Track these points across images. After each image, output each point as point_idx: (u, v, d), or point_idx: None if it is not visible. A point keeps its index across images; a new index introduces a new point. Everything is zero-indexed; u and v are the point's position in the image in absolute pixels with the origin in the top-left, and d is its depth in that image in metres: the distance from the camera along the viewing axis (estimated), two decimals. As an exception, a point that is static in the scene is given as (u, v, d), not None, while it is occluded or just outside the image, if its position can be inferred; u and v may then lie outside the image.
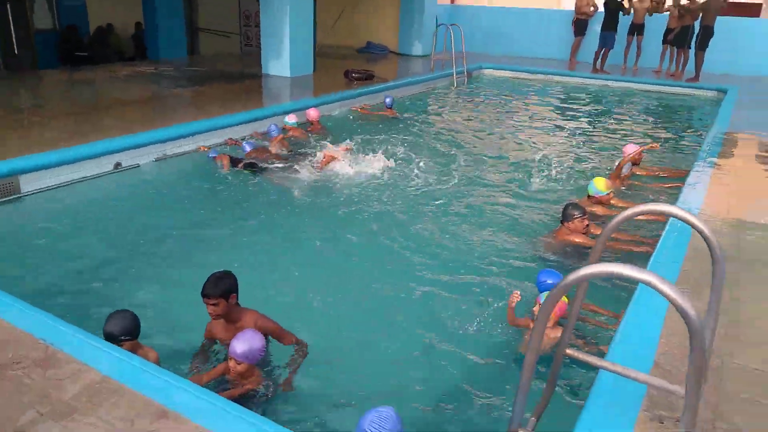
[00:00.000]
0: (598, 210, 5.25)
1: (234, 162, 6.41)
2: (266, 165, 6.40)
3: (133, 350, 2.90)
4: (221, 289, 3.04)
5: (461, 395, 3.15)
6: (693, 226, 2.03)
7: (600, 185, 5.26)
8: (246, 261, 4.34)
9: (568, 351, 2.47)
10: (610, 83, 12.75)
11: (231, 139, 7.34)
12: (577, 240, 4.65)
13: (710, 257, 2.14)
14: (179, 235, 4.86)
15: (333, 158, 6.39)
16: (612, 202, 5.33)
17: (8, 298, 3.13)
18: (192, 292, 3.19)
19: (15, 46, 11.64)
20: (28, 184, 5.50)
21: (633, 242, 4.76)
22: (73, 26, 13.06)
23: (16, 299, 3.12)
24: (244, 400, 2.86)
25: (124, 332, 2.88)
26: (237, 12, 17.36)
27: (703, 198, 5.14)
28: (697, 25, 11.87)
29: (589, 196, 5.33)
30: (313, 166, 6.41)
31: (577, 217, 4.60)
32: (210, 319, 3.16)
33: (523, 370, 1.90)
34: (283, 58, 10.94)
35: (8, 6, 11.46)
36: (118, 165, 6.28)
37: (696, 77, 12.11)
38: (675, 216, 2.06)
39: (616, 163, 6.30)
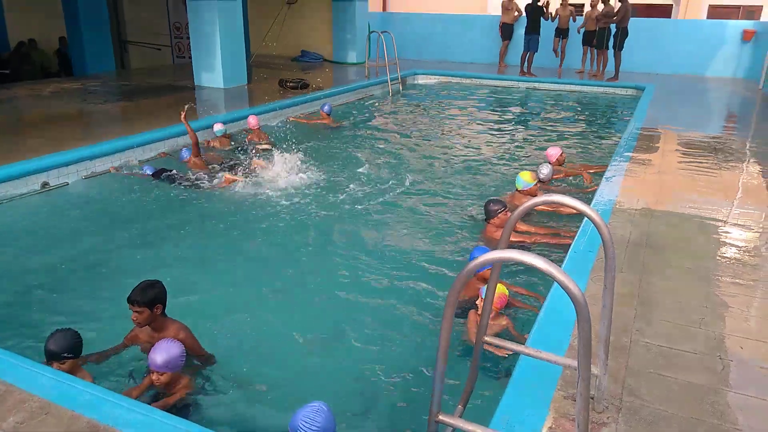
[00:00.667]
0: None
1: (157, 173, 6.39)
2: (192, 178, 6.39)
3: (72, 370, 2.88)
4: (148, 297, 3.11)
5: (394, 388, 3.27)
6: (584, 213, 2.21)
7: (526, 178, 5.50)
8: (176, 274, 4.33)
9: (486, 338, 2.65)
10: (537, 85, 13.28)
11: (163, 152, 7.28)
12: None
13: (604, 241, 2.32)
14: (110, 251, 4.79)
15: (233, 180, 6.37)
16: (538, 194, 5.61)
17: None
18: (123, 307, 3.19)
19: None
20: (-53, 207, 5.30)
21: (557, 236, 5.04)
22: (-10, 42, 12.53)
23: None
24: (182, 407, 2.90)
25: (66, 350, 2.86)
26: (167, 24, 17.07)
27: (618, 190, 5.48)
28: (613, 27, 12.54)
29: (518, 191, 5.58)
30: (212, 187, 6.31)
31: (500, 212, 4.83)
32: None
33: (437, 355, 2.03)
34: (215, 70, 10.86)
35: None
36: (45, 184, 6.11)
37: (615, 76, 12.79)
38: (567, 205, 2.24)
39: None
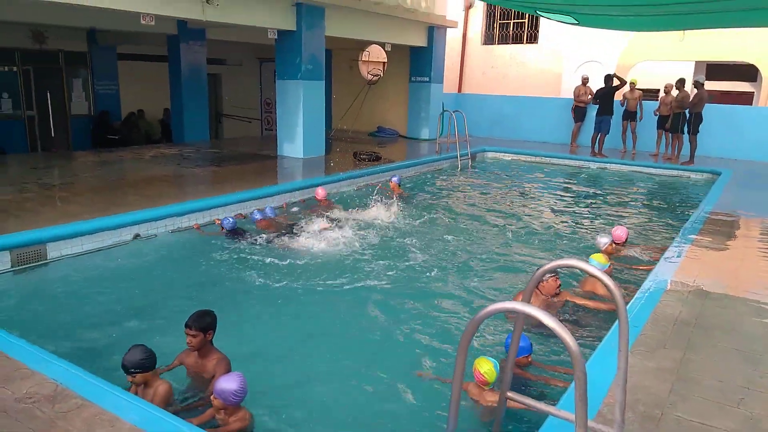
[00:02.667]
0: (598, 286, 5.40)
1: (232, 231, 7.00)
2: (268, 237, 6.95)
3: (145, 381, 3.32)
4: (203, 323, 3.55)
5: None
6: (597, 278, 2.39)
7: (600, 260, 5.40)
8: (242, 317, 4.74)
9: (509, 393, 2.80)
10: (608, 166, 13.30)
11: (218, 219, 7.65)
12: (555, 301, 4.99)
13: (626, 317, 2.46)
14: (188, 296, 5.28)
15: (326, 228, 6.91)
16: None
17: (26, 344, 3.56)
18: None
19: (52, 130, 12.69)
20: (55, 251, 6.04)
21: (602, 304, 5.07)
22: (105, 112, 14.18)
23: (33, 345, 3.54)
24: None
25: (134, 366, 3.28)
26: (258, 100, 18.69)
27: (675, 270, 5.46)
28: (687, 112, 12.53)
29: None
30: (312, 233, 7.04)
31: (550, 278, 4.95)
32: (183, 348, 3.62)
33: (449, 406, 2.23)
34: (296, 141, 11.75)
35: (48, 94, 12.61)
36: (137, 236, 6.83)
37: (691, 160, 12.62)
38: (581, 269, 2.43)
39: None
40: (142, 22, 8.96)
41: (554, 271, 5.06)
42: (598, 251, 6.04)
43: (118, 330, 4.56)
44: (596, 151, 13.86)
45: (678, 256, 5.92)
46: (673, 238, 7.09)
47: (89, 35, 13.72)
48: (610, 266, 5.53)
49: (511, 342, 2.68)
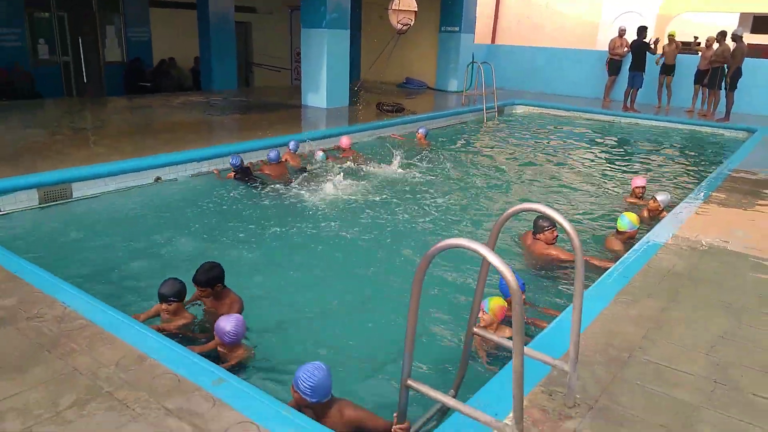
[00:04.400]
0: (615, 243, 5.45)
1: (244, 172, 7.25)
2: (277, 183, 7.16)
3: (176, 310, 3.69)
4: (210, 278, 3.83)
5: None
6: (557, 222, 2.46)
7: (633, 219, 5.38)
8: (259, 260, 4.99)
9: (476, 330, 2.94)
10: (640, 121, 12.96)
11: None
12: (551, 252, 5.06)
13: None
14: (205, 237, 5.54)
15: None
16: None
17: (41, 271, 3.86)
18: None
19: (84, 76, 13.04)
20: (80, 190, 6.37)
21: (606, 260, 5.11)
22: (137, 59, 14.46)
23: (46, 272, 3.84)
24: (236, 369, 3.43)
25: (172, 294, 3.65)
26: (289, 49, 18.66)
27: (681, 226, 5.42)
28: (726, 67, 12.01)
29: (619, 231, 5.45)
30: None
31: (547, 229, 5.01)
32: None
33: (407, 326, 2.37)
34: (320, 91, 11.80)
35: (80, 40, 12.87)
36: (158, 178, 7.12)
37: (726, 117, 12.18)
38: (541, 212, 2.50)
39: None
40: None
41: (552, 224, 5.11)
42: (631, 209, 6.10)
43: (133, 264, 4.86)
44: (627, 106, 13.48)
45: (685, 212, 5.87)
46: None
47: (122, -19, 13.89)
48: (636, 229, 5.36)
49: (478, 282, 2.80)
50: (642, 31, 13.06)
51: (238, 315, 3.51)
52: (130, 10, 14.27)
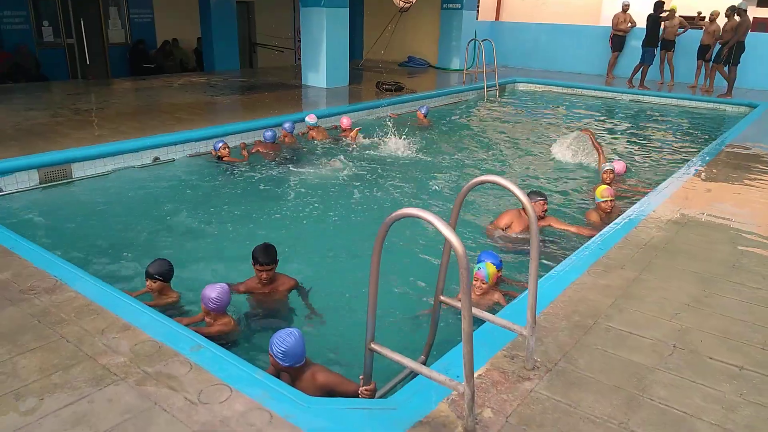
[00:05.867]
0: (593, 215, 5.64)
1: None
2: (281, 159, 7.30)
3: (161, 290, 3.86)
4: (272, 254, 3.97)
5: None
6: (513, 193, 2.56)
7: (597, 192, 5.58)
8: (255, 234, 5.15)
9: (443, 297, 3.07)
10: (641, 98, 12.89)
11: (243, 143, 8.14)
12: (541, 223, 5.19)
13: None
14: (202, 215, 5.69)
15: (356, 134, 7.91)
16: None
17: (35, 246, 4.04)
18: (209, 256, 4.33)
19: (87, 58, 13.15)
20: (79, 171, 6.54)
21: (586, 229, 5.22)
22: (141, 40, 14.55)
23: (40, 247, 4.02)
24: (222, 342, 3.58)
25: (158, 273, 3.83)
26: (292, 29, 18.63)
27: (664, 199, 5.49)
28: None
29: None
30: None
31: (537, 201, 5.11)
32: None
33: (369, 290, 2.50)
34: (320, 71, 11.85)
35: (81, 21, 12.95)
36: (156, 159, 7.27)
37: (728, 92, 12.08)
38: (497, 183, 2.61)
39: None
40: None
41: (542, 196, 5.22)
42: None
43: (129, 242, 5.04)
44: (632, 83, 13.37)
45: (671, 186, 5.93)
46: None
47: (123, -38, 13.92)
48: (608, 201, 5.51)
49: (443, 251, 2.92)
50: (658, 6, 12.84)
51: (222, 284, 3.65)
52: (133, -9, 14.33)
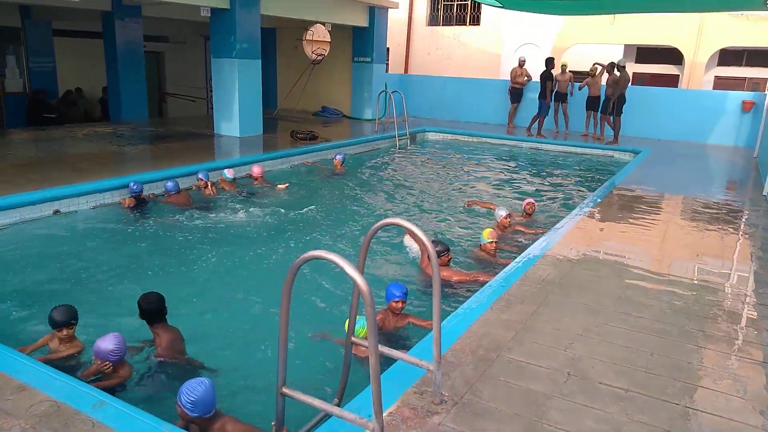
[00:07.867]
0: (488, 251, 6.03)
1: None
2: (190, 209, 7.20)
3: (71, 337, 3.75)
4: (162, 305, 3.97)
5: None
6: (412, 234, 2.74)
7: (484, 235, 6.02)
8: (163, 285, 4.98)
9: (353, 339, 3.16)
10: (540, 145, 13.85)
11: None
12: (443, 273, 5.39)
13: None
14: (108, 270, 5.48)
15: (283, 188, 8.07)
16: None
17: None
18: (119, 313, 4.14)
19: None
20: (-31, 226, 6.14)
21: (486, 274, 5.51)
22: (41, 90, 13.96)
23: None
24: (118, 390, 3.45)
25: (74, 317, 3.74)
26: (204, 78, 18.59)
27: (558, 239, 5.93)
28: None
29: (481, 245, 6.08)
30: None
31: (442, 254, 5.35)
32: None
33: (279, 335, 2.55)
34: (233, 120, 11.87)
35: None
36: (57, 211, 6.94)
37: (615, 140, 13.26)
38: (402, 226, 2.78)
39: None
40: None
41: (445, 249, 5.49)
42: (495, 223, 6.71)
43: (26, 300, 4.76)
44: (531, 132, 14.37)
45: (565, 227, 6.41)
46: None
47: (22, 10, 13.45)
48: (493, 243, 5.94)
49: (352, 300, 3.02)
50: (549, 62, 13.99)
51: (114, 333, 3.54)
52: (33, 40, 13.82)
